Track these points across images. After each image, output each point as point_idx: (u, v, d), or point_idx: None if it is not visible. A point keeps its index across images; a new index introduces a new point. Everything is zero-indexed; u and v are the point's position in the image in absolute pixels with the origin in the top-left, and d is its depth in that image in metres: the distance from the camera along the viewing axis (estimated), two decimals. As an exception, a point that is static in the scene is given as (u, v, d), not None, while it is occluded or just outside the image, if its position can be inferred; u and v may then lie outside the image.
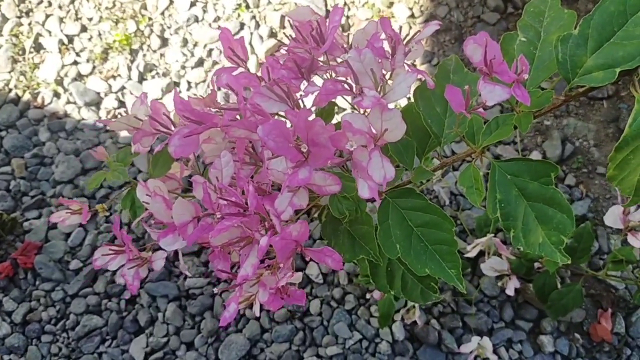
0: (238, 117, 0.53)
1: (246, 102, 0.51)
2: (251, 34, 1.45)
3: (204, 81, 1.42)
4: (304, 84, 0.55)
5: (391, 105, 0.50)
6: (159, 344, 1.19)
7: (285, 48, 0.59)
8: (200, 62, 1.44)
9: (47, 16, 1.51)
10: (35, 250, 1.27)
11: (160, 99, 1.40)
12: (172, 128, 0.57)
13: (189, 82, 1.42)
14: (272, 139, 0.46)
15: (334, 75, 0.63)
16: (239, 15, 1.48)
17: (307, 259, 0.54)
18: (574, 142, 1.37)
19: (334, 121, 0.58)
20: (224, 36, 0.59)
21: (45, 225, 1.29)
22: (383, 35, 0.59)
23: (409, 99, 0.95)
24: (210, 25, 1.47)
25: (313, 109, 0.53)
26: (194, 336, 1.20)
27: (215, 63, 1.44)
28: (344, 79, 0.56)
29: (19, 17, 1.51)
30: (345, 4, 1.48)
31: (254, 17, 1.47)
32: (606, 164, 1.41)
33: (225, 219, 0.49)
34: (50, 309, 1.23)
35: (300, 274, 0.54)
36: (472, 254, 1.07)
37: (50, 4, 1.53)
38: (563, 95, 0.59)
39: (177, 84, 1.42)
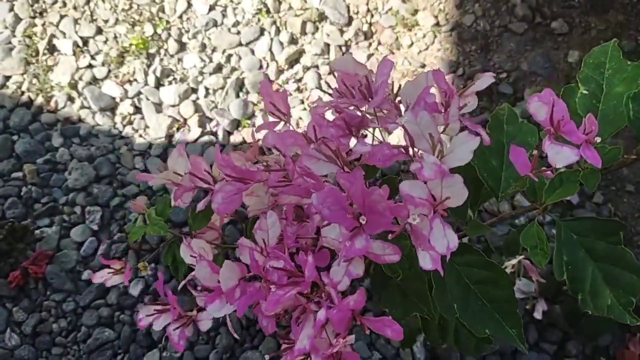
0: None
1: (294, 164, 0.49)
2: (271, 39, 1.41)
3: (222, 88, 1.38)
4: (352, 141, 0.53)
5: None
6: (172, 359, 1.15)
7: (331, 103, 0.56)
8: (218, 68, 1.40)
9: (62, 17, 1.47)
10: (47, 259, 1.23)
11: (177, 105, 1.36)
12: (212, 183, 0.56)
13: (206, 89, 1.38)
14: (327, 207, 0.44)
15: (384, 132, 0.59)
16: (259, 20, 1.44)
17: (359, 323, 0.51)
18: (602, 159, 1.33)
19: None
20: (264, 90, 0.57)
21: (57, 233, 1.26)
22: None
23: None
24: (229, 30, 1.43)
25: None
26: (209, 352, 1.16)
27: (234, 69, 1.40)
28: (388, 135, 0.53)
29: (33, 18, 1.48)
30: (368, 10, 1.44)
31: (274, 22, 1.43)
32: (635, 181, 1.38)
33: (278, 289, 0.48)
34: (61, 321, 1.19)
35: (353, 336, 0.50)
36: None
37: (64, 4, 1.49)
38: (635, 153, 0.57)
39: (194, 90, 1.38)
